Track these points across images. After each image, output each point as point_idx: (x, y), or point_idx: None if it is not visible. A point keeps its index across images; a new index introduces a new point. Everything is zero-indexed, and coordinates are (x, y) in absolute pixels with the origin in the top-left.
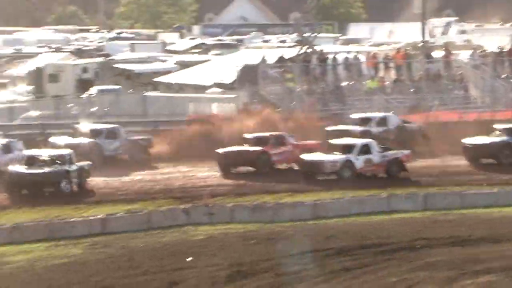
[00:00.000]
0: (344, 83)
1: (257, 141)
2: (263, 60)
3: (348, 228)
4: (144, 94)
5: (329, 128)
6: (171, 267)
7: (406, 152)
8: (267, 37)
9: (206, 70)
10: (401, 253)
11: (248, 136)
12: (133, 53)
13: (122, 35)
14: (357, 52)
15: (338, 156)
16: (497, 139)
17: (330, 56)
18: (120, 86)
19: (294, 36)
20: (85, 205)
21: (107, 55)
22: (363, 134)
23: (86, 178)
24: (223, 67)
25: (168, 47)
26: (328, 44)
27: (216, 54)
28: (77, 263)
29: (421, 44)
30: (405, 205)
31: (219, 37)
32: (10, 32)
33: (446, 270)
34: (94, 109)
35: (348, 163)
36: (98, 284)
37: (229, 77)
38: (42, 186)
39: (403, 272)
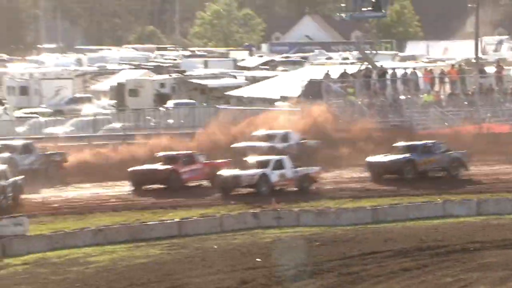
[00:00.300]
0: (402, 97)
1: (168, 159)
2: (327, 76)
3: (406, 232)
4: (217, 107)
5: (235, 145)
6: (241, 267)
7: (317, 168)
8: (330, 54)
9: (273, 85)
10: (455, 255)
11: (159, 154)
12: (207, 69)
13: (196, 53)
14: (414, 68)
15: (254, 171)
16: (401, 157)
17: (389, 72)
18: (195, 100)
19: (356, 53)
20: (162, 210)
21: (182, 71)
22: (269, 150)
23: (20, 193)
24: (289, 82)
25: (238, 64)
26: (387, 61)
27: (283, 70)
28: (156, 263)
29: (475, 60)
30: (459, 210)
31: (286, 55)
32: (95, 51)
33: (499, 271)
34: (170, 121)
35: (264, 177)
36: (175, 283)
37: (295, 91)
38: None
39: (458, 272)
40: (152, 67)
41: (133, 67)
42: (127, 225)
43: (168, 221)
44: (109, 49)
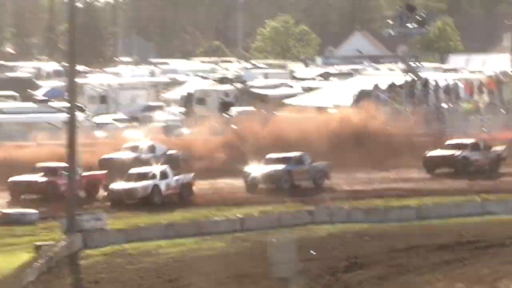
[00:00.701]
0: (444, 105)
1: (47, 171)
2: (376, 86)
3: (448, 228)
4: (275, 114)
5: (104, 157)
6: (298, 259)
7: (192, 175)
8: (378, 66)
9: (327, 94)
10: (493, 249)
11: (38, 165)
12: (266, 80)
13: (257, 65)
14: (455, 79)
15: (147, 182)
16: (279, 167)
17: (432, 83)
18: (256, 108)
19: (402, 65)
20: (226, 207)
21: (245, 82)
22: (135, 161)
23: None
24: (341, 92)
25: (295, 75)
26: (430, 72)
27: (336, 81)
28: (221, 255)
29: (511, 72)
30: (497, 208)
31: (338, 67)
32: (166, 63)
33: None
34: (234, 126)
35: (157, 188)
36: (237, 272)
37: (347, 100)
38: None
39: (495, 264)
40: (218, 78)
41: (201, 78)
42: (195, 220)
43: (231, 217)
44: (179, 62)
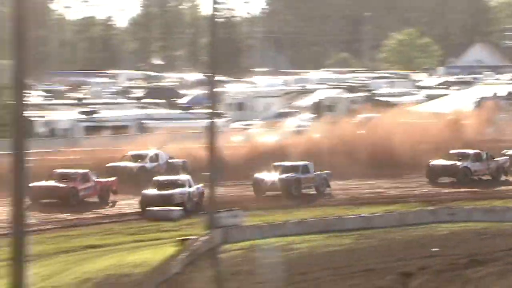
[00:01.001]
0: None
1: (65, 177)
2: (495, 94)
3: None
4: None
5: (110, 165)
6: (420, 256)
7: (202, 185)
8: (497, 76)
9: (448, 102)
10: None
11: (57, 171)
12: (391, 89)
13: (383, 75)
14: None
15: (182, 189)
16: (289, 175)
17: None
18: (381, 114)
19: None
20: (353, 206)
21: (371, 90)
22: (139, 170)
23: None
24: (462, 99)
25: (418, 84)
26: None
27: (456, 89)
28: (347, 251)
29: None
30: None
31: (459, 76)
32: (298, 74)
33: None
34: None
35: (190, 195)
36: (362, 268)
37: (467, 107)
38: None
39: None
40: (346, 87)
41: (330, 87)
42: (324, 218)
43: (357, 216)
44: (310, 72)
